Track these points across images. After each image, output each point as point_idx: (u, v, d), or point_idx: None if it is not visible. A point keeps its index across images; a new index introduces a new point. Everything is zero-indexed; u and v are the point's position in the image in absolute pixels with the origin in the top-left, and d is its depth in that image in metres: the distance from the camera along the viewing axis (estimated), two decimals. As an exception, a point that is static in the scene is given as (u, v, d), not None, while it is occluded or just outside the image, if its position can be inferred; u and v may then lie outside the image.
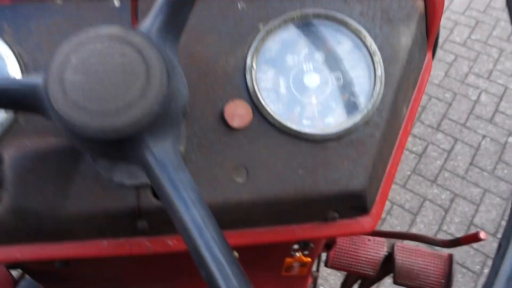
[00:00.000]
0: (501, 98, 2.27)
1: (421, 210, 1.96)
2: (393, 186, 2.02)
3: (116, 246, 0.48)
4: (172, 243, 0.49)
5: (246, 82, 0.48)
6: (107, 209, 0.46)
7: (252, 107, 0.48)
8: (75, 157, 0.46)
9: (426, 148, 2.14)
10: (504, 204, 1.94)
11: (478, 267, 1.78)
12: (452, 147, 2.14)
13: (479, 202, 1.97)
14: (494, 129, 2.18)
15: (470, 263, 1.79)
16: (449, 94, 2.31)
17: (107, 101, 0.33)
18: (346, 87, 0.49)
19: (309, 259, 0.63)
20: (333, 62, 0.50)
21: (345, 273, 1.21)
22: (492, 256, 1.81)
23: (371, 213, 0.51)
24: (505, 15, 2.61)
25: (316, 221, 0.50)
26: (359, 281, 1.19)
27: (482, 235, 0.56)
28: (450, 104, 2.27)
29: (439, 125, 2.21)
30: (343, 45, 0.50)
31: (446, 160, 2.10)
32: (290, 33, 0.50)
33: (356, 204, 0.49)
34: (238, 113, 0.47)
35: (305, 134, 0.47)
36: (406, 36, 0.50)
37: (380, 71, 0.49)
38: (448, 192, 2.00)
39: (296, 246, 0.58)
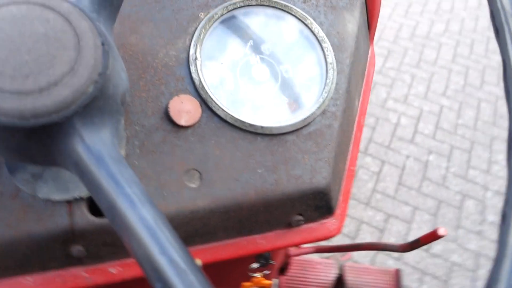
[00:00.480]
0: (418, 120, 2.44)
1: (358, 233, 1.98)
2: (331, 211, 2.03)
3: (45, 282, 0.39)
4: (116, 270, 0.40)
5: (191, 75, 0.43)
6: (31, 234, 0.36)
7: (200, 101, 0.42)
8: None
9: (357, 172, 2.20)
10: (433, 219, 2.03)
11: (416, 284, 1.81)
12: (381, 169, 2.22)
13: (411, 220, 2.04)
14: (416, 149, 2.31)
15: (409, 281, 1.82)
16: (372, 119, 2.43)
17: (26, 77, 0.26)
18: (297, 77, 0.47)
19: (270, 282, 0.57)
20: (282, 52, 0.47)
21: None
22: (429, 272, 1.86)
23: (336, 214, 0.47)
24: (412, 44, 2.86)
25: (279, 228, 0.45)
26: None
27: (441, 231, 0.55)
28: (374, 128, 2.39)
29: (366, 149, 2.30)
30: (290, 34, 0.48)
31: (376, 182, 2.17)
32: (234, 23, 0.47)
33: (320, 203, 0.44)
34: (185, 109, 0.42)
35: (261, 128, 0.43)
36: (351, 23, 0.49)
37: (331, 58, 0.47)
38: (381, 213, 2.05)
39: (255, 265, 0.52)
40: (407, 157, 2.28)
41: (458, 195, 2.13)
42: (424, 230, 2.02)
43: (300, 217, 0.44)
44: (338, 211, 0.47)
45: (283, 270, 0.79)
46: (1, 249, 0.36)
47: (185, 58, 0.43)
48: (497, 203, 2.11)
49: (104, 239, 0.38)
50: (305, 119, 0.44)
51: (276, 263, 0.64)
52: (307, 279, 0.98)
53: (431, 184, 2.17)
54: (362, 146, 2.30)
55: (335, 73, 0.46)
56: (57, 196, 0.37)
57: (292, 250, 0.82)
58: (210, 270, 0.48)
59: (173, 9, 0.45)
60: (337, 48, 0.48)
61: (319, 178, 0.43)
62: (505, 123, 2.48)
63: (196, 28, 0.44)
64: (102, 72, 0.27)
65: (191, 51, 0.43)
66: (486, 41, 2.97)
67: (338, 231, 0.47)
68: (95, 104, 0.28)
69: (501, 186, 2.18)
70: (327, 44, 0.47)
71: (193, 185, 0.40)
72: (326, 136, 0.45)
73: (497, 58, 2.85)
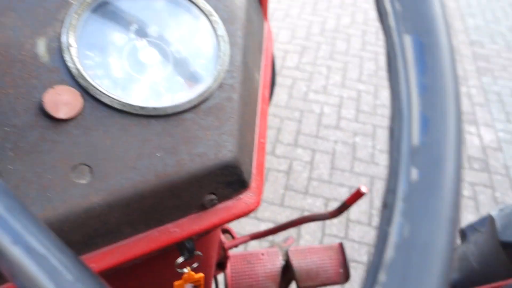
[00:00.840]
0: (340, 107, 2.53)
1: (303, 222, 2.00)
2: (272, 207, 2.03)
3: None
4: None
5: (66, 64, 0.39)
6: None
7: (81, 91, 0.38)
8: None
9: (291, 164, 2.23)
10: (369, 195, 2.11)
11: (365, 257, 1.87)
12: (313, 158, 2.27)
13: (349, 200, 2.10)
14: (342, 133, 2.40)
15: (358, 255, 1.87)
16: (297, 112, 2.48)
17: None
18: (190, 56, 0.44)
19: (201, 275, 0.53)
20: (170, 32, 0.45)
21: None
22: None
23: (251, 187, 0.45)
24: (323, 39, 2.98)
25: (193, 212, 0.42)
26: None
27: (363, 188, 0.55)
28: (300, 121, 2.44)
29: (296, 141, 2.34)
30: (176, 12, 0.46)
31: (310, 170, 2.21)
32: (114, 7, 0.43)
33: (231, 178, 0.42)
34: (62, 101, 0.37)
35: (154, 109, 0.40)
36: None
37: (221, 31, 0.45)
38: (321, 198, 2.09)
39: (181, 259, 0.49)
40: (335, 142, 2.35)
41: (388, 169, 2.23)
42: (362, 207, 2.09)
43: (213, 196, 0.42)
44: (253, 184, 0.45)
45: (221, 265, 0.76)
46: None
47: (57, 47, 0.39)
48: (422, 170, 2.24)
49: None
50: (201, 93, 0.42)
51: (212, 257, 0.61)
52: (254, 271, 0.96)
53: (361, 164, 2.26)
54: (291, 139, 2.34)
55: (227, 45, 0.45)
56: None
57: (227, 243, 0.79)
58: (137, 275, 0.43)
59: None
60: (226, 21, 0.46)
61: (225, 152, 0.41)
62: (417, 96, 2.65)
63: (66, 14, 0.41)
64: None
65: (63, 39, 0.39)
66: (389, 26, 3.18)
67: (257, 204, 0.45)
68: None
69: (423, 154, 2.31)
70: (215, 17, 0.45)
71: (83, 181, 0.36)
72: (227, 110, 0.43)
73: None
